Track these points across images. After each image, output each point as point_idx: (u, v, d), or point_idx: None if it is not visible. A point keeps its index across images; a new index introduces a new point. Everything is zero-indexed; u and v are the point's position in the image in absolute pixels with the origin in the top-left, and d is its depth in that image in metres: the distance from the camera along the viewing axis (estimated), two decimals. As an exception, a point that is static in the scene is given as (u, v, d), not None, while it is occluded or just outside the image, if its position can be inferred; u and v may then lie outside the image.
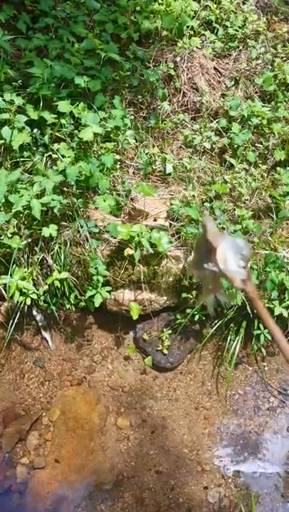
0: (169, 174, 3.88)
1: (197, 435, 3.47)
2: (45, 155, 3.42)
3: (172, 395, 3.63)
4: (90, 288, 3.36)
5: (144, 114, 4.16)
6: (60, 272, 3.36)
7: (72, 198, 3.36)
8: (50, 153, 3.41)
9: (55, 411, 3.46)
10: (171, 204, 3.61)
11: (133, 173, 3.89)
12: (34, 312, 3.74)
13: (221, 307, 3.20)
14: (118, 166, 3.83)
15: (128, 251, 3.40)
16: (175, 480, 3.28)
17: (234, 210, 3.79)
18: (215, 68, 4.33)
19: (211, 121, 4.10)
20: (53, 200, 3.26)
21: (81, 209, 3.51)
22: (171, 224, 3.66)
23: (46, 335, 3.77)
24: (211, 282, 1.19)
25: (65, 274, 3.36)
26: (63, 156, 3.35)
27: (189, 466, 3.34)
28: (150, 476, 3.28)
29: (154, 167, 3.90)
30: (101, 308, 3.70)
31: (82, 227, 3.28)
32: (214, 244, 1.09)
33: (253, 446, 3.43)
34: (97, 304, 3.34)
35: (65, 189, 3.45)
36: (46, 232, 3.32)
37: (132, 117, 3.93)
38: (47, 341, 3.77)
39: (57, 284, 3.36)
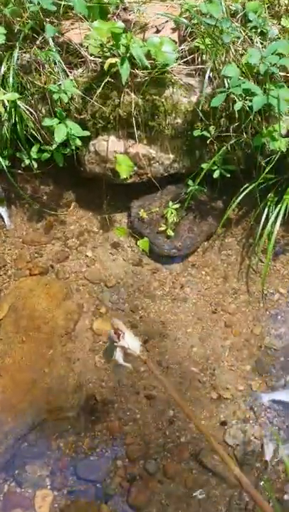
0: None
1: (213, 348, 2.27)
2: None
3: (179, 294, 2.44)
4: (50, 118, 2.19)
5: None
6: (5, 94, 2.20)
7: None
8: None
9: (3, 306, 2.35)
10: (183, 5, 2.37)
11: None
12: (-16, 177, 2.62)
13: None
14: None
15: (110, 61, 2.20)
16: (175, 410, 2.10)
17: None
18: None
19: None
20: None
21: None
22: (181, 39, 2.43)
23: (1, 209, 2.67)
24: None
25: (13, 95, 2.20)
26: None
27: (199, 392, 2.15)
28: (137, 403, 2.12)
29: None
30: (80, 175, 2.56)
31: (31, 2, 2.09)
32: (123, 330, 1.58)
33: (301, 365, 2.19)
34: (58, 139, 2.18)
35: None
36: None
37: None
38: (2, 218, 2.65)
39: (1, 111, 2.20)
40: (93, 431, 2.06)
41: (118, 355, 1.60)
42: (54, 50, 2.20)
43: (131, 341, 1.59)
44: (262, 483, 1.89)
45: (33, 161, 2.48)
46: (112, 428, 2.06)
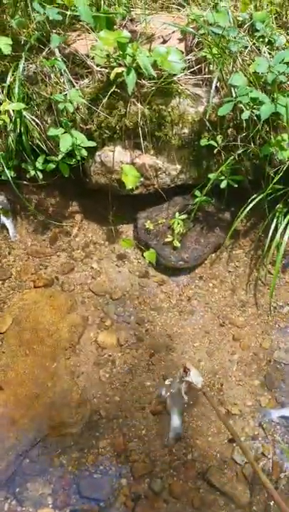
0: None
1: (221, 362, 2.21)
2: None
3: (185, 306, 2.39)
4: (55, 127, 2.17)
5: None
6: (10, 104, 2.19)
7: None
8: None
9: (6, 319, 2.30)
10: (190, 15, 2.36)
11: None
12: (-10, 189, 2.61)
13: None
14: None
15: (116, 70, 2.18)
16: (182, 426, 2.02)
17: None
18: None
19: None
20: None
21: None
22: (188, 49, 2.42)
23: (6, 221, 2.63)
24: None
25: (18, 106, 2.19)
26: None
27: (205, 407, 2.08)
28: (143, 419, 2.06)
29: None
30: (86, 186, 2.53)
31: (35, 11, 2.09)
32: (190, 368, 1.92)
33: (312, 380, 2.12)
34: (63, 148, 2.15)
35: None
36: (-7, 44, 2.16)
37: None
38: (7, 229, 2.62)
39: (5, 119, 2.19)
40: (97, 447, 2.00)
41: (182, 387, 1.94)
42: (60, 59, 2.18)
43: (195, 377, 1.93)
44: (272, 503, 1.81)
45: (38, 172, 2.45)
46: (117, 445, 2.00)
